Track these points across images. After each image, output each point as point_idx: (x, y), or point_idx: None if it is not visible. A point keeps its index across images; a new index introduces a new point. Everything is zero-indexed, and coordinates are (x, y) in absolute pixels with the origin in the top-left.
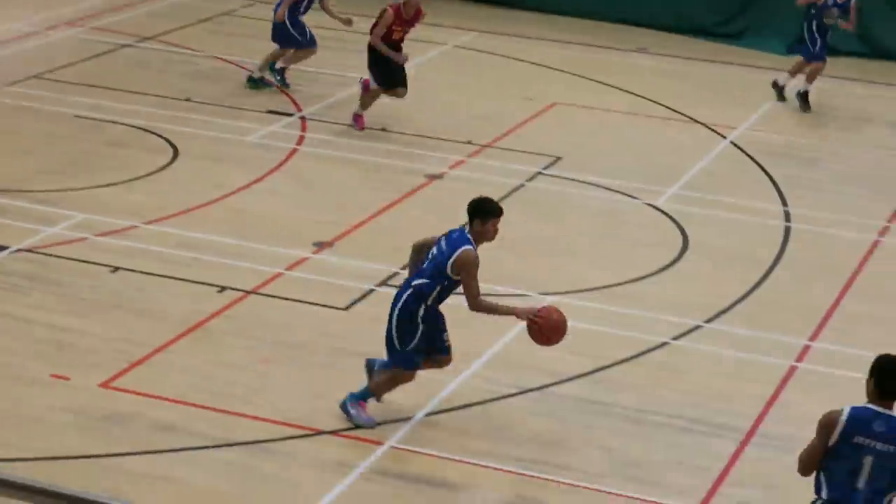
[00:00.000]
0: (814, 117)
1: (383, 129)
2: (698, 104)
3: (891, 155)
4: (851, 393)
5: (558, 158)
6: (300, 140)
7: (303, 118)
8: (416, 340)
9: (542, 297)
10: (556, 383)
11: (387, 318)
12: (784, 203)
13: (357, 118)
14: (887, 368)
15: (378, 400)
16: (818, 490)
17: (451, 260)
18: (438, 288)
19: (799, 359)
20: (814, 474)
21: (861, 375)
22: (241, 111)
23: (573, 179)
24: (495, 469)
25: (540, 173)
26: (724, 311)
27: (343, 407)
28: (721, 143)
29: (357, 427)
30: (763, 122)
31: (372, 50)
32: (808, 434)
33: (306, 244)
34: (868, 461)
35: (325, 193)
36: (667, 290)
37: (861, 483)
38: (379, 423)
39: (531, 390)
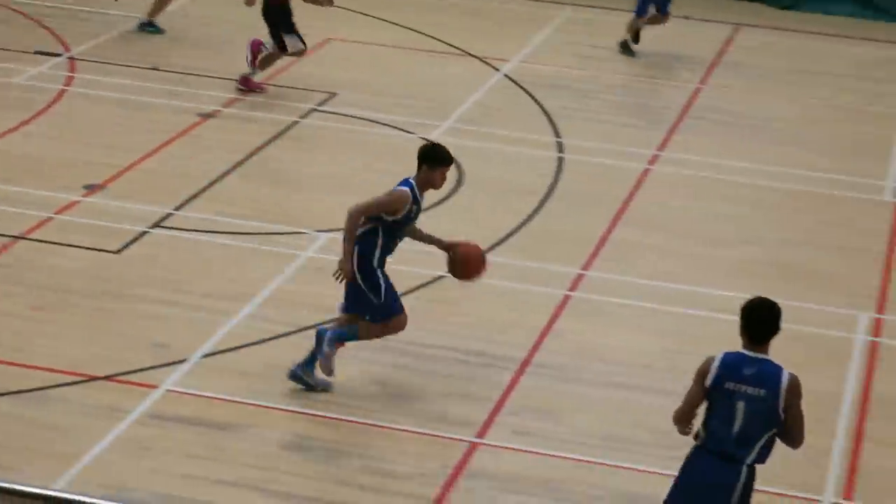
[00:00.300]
0: (589, 49)
1: (154, 69)
2: (472, 37)
3: (664, 85)
4: (624, 321)
5: (333, 94)
6: (69, 81)
7: (71, 58)
8: (385, 285)
9: (319, 234)
10: (331, 321)
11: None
12: (557, 134)
13: (248, 81)
14: (753, 315)
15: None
16: (697, 436)
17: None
18: (380, 230)
19: (573, 288)
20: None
21: (633, 302)
22: (6, 52)
23: (349, 115)
24: (272, 408)
25: (315, 110)
26: (498, 243)
27: (319, 342)
28: (494, 75)
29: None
30: (536, 54)
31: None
32: (582, 362)
33: (76, 187)
34: (740, 406)
35: (96, 135)
36: (441, 223)
37: (735, 428)
38: (154, 367)
39: (307, 328)
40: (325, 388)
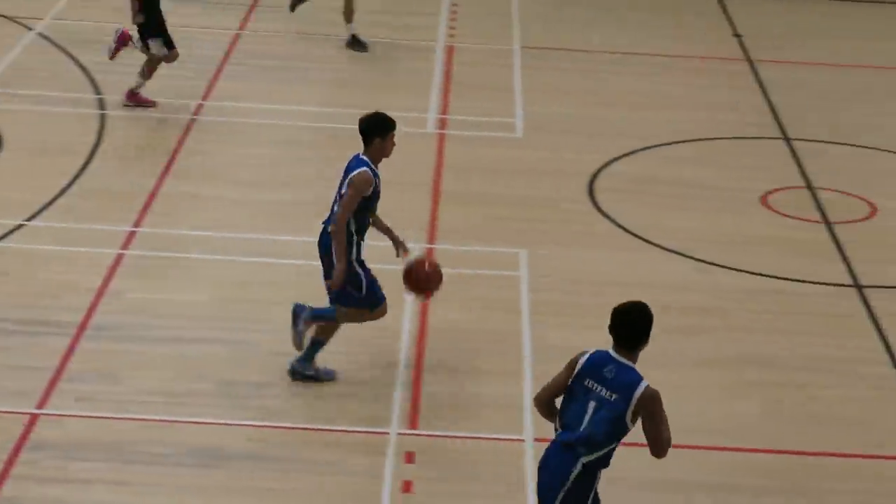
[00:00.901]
0: (121, 1)
1: None
2: None
3: (208, 32)
4: (179, 275)
5: None
6: None
7: None
8: (366, 279)
9: None
10: None
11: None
12: (98, 91)
13: (134, 96)
14: (616, 318)
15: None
16: (556, 425)
17: (347, 182)
18: (350, 222)
19: (125, 246)
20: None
21: (186, 255)
22: None
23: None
24: None
25: None
26: (44, 208)
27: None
28: (27, 34)
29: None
30: (70, 10)
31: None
32: (140, 320)
33: None
34: (592, 405)
35: None
36: None
37: (584, 425)
38: None
39: None
40: (328, 377)
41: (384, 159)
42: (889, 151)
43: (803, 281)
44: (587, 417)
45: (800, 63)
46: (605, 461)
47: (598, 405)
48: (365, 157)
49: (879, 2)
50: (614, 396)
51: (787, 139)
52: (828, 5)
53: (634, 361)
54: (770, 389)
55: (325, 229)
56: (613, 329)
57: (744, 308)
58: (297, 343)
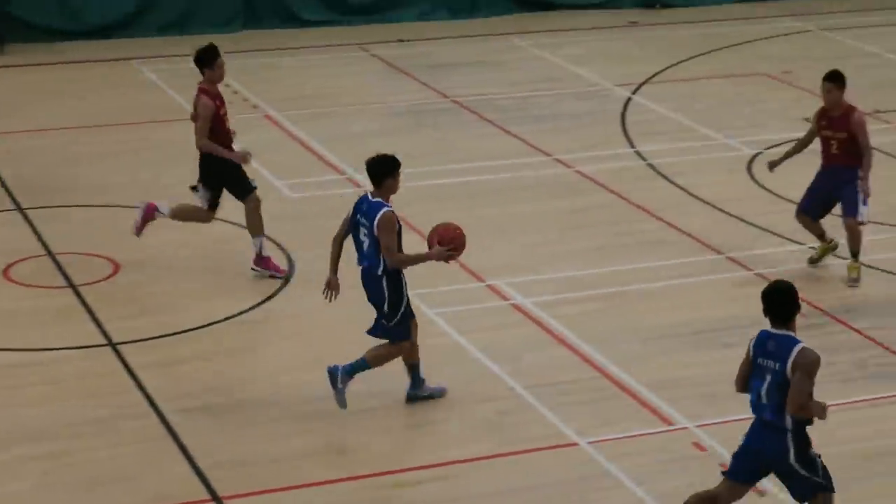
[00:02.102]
0: None
1: None
2: None
3: None
4: None
5: None
6: None
7: None
8: (403, 308)
9: None
10: None
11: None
12: None
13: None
14: (766, 298)
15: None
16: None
17: (375, 225)
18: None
19: None
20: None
21: None
22: None
23: None
24: None
25: None
26: None
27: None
28: None
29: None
30: None
31: (205, 157)
32: None
33: None
34: (767, 378)
35: None
36: None
37: (765, 398)
38: None
39: None
40: (439, 394)
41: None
42: (123, 207)
43: (58, 348)
44: (764, 390)
45: (24, 132)
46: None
47: (772, 377)
48: (379, 198)
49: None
50: (778, 364)
51: (20, 209)
52: (48, 71)
53: (793, 331)
54: (41, 463)
55: (368, 274)
56: (764, 310)
57: (4, 385)
58: (342, 402)
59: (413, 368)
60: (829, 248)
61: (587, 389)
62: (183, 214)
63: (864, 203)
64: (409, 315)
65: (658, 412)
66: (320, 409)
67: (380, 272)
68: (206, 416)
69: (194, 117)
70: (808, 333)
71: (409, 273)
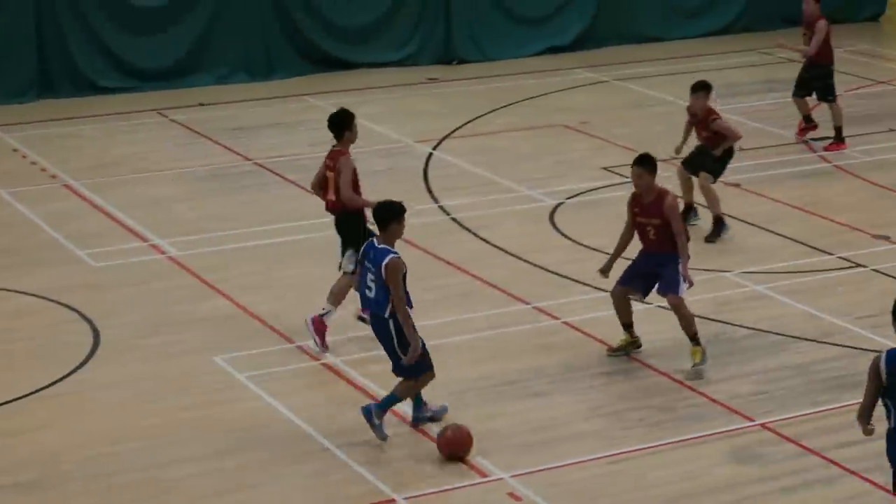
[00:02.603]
0: None
1: None
2: None
3: None
4: None
5: None
6: None
7: None
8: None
9: None
10: None
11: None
12: None
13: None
14: None
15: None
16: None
17: (383, 272)
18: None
19: None
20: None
21: None
22: None
23: None
24: None
25: None
26: None
27: (368, 415)
28: None
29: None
30: None
31: (348, 217)
32: None
33: None
34: None
35: None
36: None
37: None
38: None
39: None
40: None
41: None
42: None
43: None
44: None
45: None
46: None
47: None
48: (385, 245)
49: None
50: None
51: None
52: None
53: None
54: None
55: (376, 318)
56: None
57: None
58: (383, 436)
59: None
60: (632, 343)
61: (402, 444)
62: (341, 295)
63: (684, 280)
64: (424, 348)
65: (473, 464)
66: (123, 482)
67: (386, 315)
68: (18, 493)
69: (327, 180)
70: (611, 379)
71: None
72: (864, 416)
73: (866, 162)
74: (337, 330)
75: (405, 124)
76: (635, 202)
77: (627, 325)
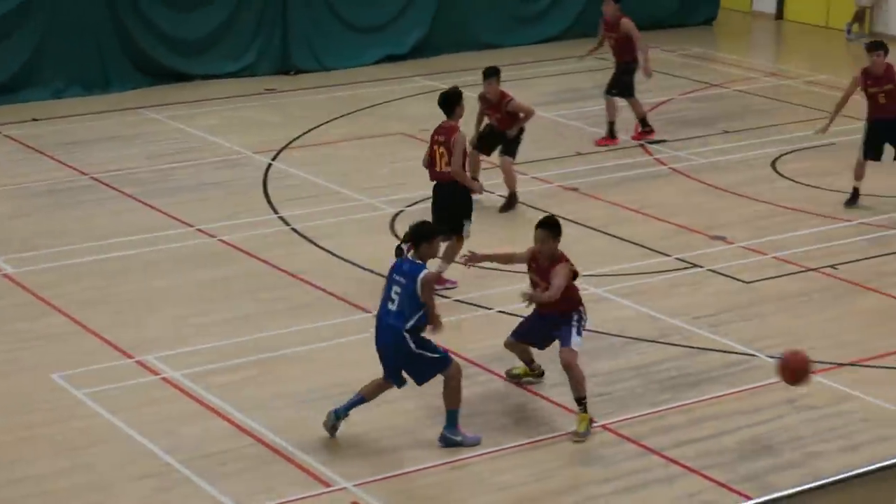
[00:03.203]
0: None
1: None
2: None
3: None
4: None
5: None
6: None
7: None
8: (431, 342)
9: None
10: None
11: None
12: None
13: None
14: None
15: None
16: None
17: (419, 286)
18: (419, 314)
19: None
20: None
21: None
22: None
23: None
24: None
25: None
26: None
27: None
28: None
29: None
30: None
31: (461, 192)
32: None
33: None
34: None
35: None
36: None
37: None
38: None
39: None
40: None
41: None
42: None
43: None
44: None
45: None
46: None
47: None
48: (419, 260)
49: None
50: None
51: None
52: None
53: None
54: None
55: (393, 329)
56: None
57: None
58: (476, 440)
59: (361, 402)
60: (532, 374)
61: (244, 458)
62: (453, 254)
63: (579, 334)
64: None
65: (316, 475)
66: None
67: (407, 328)
68: None
69: (435, 154)
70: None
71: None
72: None
73: (702, 164)
74: (177, 342)
75: (243, 135)
76: (533, 258)
77: (528, 362)
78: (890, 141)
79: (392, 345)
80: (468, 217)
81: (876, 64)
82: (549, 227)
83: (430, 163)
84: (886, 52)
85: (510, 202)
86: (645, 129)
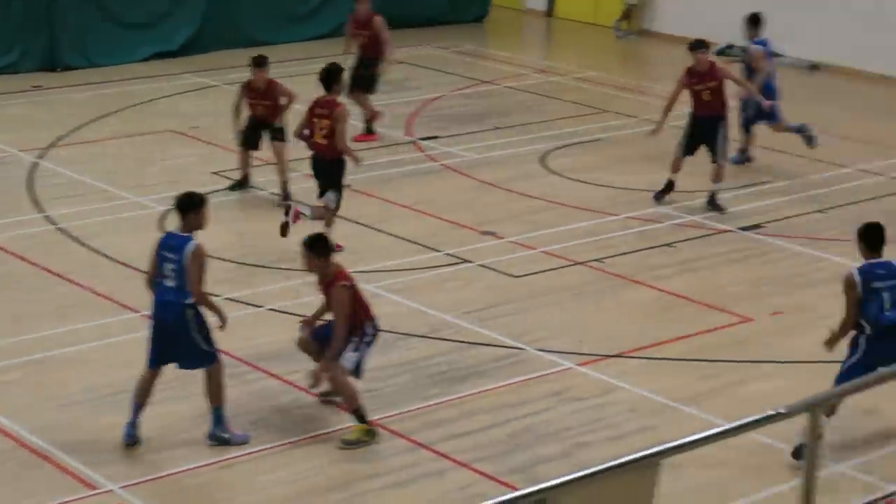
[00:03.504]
0: None
1: None
2: None
3: None
4: None
5: None
6: None
7: None
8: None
9: None
10: None
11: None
12: None
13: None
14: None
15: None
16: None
17: (188, 259)
18: None
19: None
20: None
21: None
22: None
23: None
24: None
25: None
26: None
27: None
28: None
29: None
30: None
31: (339, 162)
32: None
33: None
34: (885, 295)
35: None
36: None
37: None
38: None
39: None
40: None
41: None
42: None
43: None
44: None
45: None
46: None
47: (889, 293)
48: (185, 233)
49: None
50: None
51: None
52: None
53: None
54: None
55: (174, 305)
56: (866, 241)
57: None
58: (245, 438)
59: (141, 407)
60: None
61: (6, 462)
62: (320, 214)
63: (356, 350)
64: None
65: (81, 478)
66: None
67: (188, 301)
68: None
69: (313, 125)
70: (237, 381)
71: None
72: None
73: (473, 160)
74: None
75: (9, 133)
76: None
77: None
78: (707, 142)
79: (172, 321)
80: (338, 189)
81: (700, 62)
82: (309, 247)
83: (308, 135)
84: (708, 48)
85: (286, 194)
86: (369, 132)
